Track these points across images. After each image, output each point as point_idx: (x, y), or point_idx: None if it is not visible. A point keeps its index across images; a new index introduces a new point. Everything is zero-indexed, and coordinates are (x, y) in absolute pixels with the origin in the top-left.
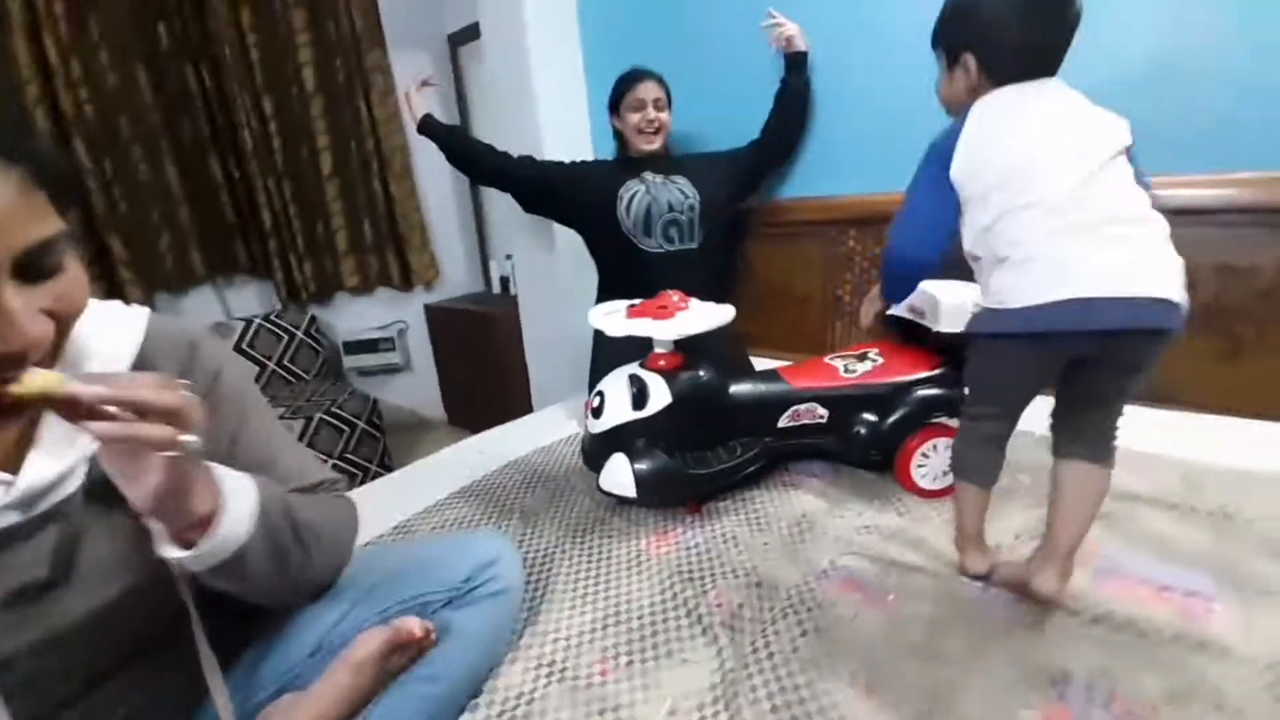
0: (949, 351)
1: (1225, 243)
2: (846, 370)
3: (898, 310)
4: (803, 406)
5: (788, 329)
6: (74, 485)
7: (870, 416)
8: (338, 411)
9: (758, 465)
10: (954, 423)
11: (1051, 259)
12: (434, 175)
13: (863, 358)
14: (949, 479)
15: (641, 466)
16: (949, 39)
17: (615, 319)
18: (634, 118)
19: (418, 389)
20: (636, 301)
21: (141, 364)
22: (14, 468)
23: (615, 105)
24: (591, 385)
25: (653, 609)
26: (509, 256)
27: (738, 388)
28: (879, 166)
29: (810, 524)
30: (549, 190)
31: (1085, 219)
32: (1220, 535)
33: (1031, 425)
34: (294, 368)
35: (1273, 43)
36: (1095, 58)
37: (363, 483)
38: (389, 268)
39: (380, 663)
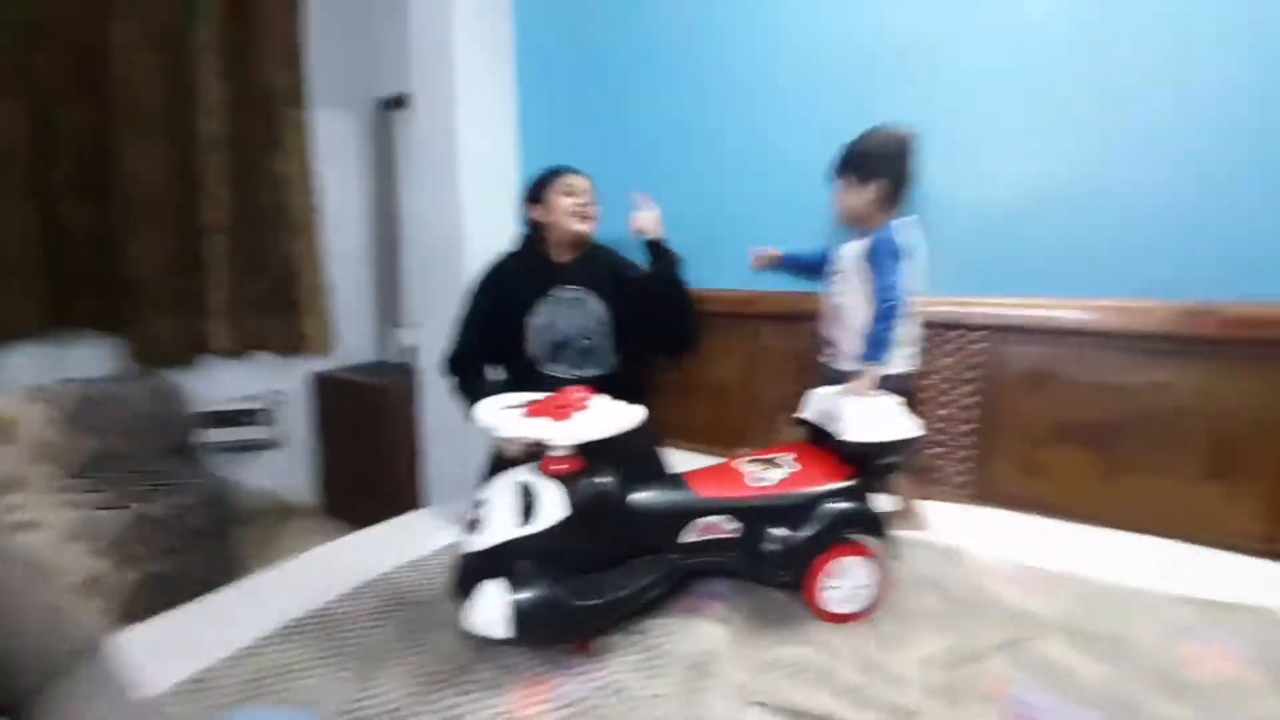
0: (859, 462)
1: (1102, 363)
2: (756, 478)
3: (806, 415)
4: (711, 519)
5: (705, 419)
6: None
7: (779, 531)
8: (176, 499)
9: (660, 590)
10: (867, 540)
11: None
12: (346, 235)
13: (772, 464)
14: (859, 602)
15: (524, 596)
16: (873, 165)
17: (508, 417)
18: (566, 201)
19: (289, 469)
20: (537, 396)
21: None
22: None
23: (537, 194)
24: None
25: None
26: (419, 324)
27: (640, 497)
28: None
29: (710, 663)
30: (493, 333)
31: None
32: (1120, 668)
33: (945, 536)
34: (131, 444)
35: (1133, 175)
36: (976, 187)
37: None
38: (271, 330)
39: None
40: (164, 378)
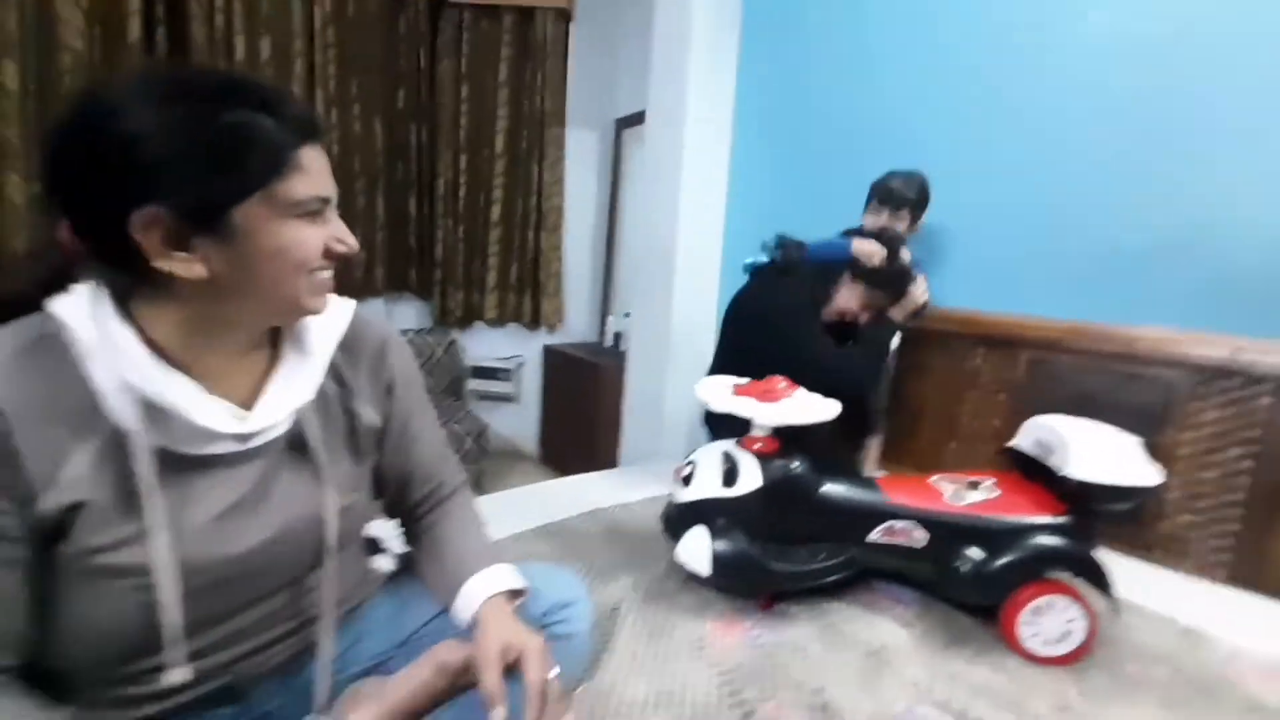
0: (1076, 500)
1: None
2: (955, 495)
3: (1020, 444)
4: (898, 524)
5: (902, 437)
6: (280, 432)
7: (975, 553)
8: (454, 428)
9: (841, 575)
10: (1076, 583)
11: None
12: (580, 233)
13: (975, 485)
14: (1064, 646)
15: (721, 546)
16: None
17: (721, 393)
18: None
19: (521, 422)
20: (743, 380)
21: (346, 345)
22: (248, 406)
23: None
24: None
25: (706, 702)
26: (627, 314)
27: (830, 488)
28: (1018, 287)
29: (889, 657)
30: None
31: None
32: None
33: (1174, 611)
34: (428, 380)
35: None
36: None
37: None
38: (523, 306)
39: (459, 673)
40: (452, 336)
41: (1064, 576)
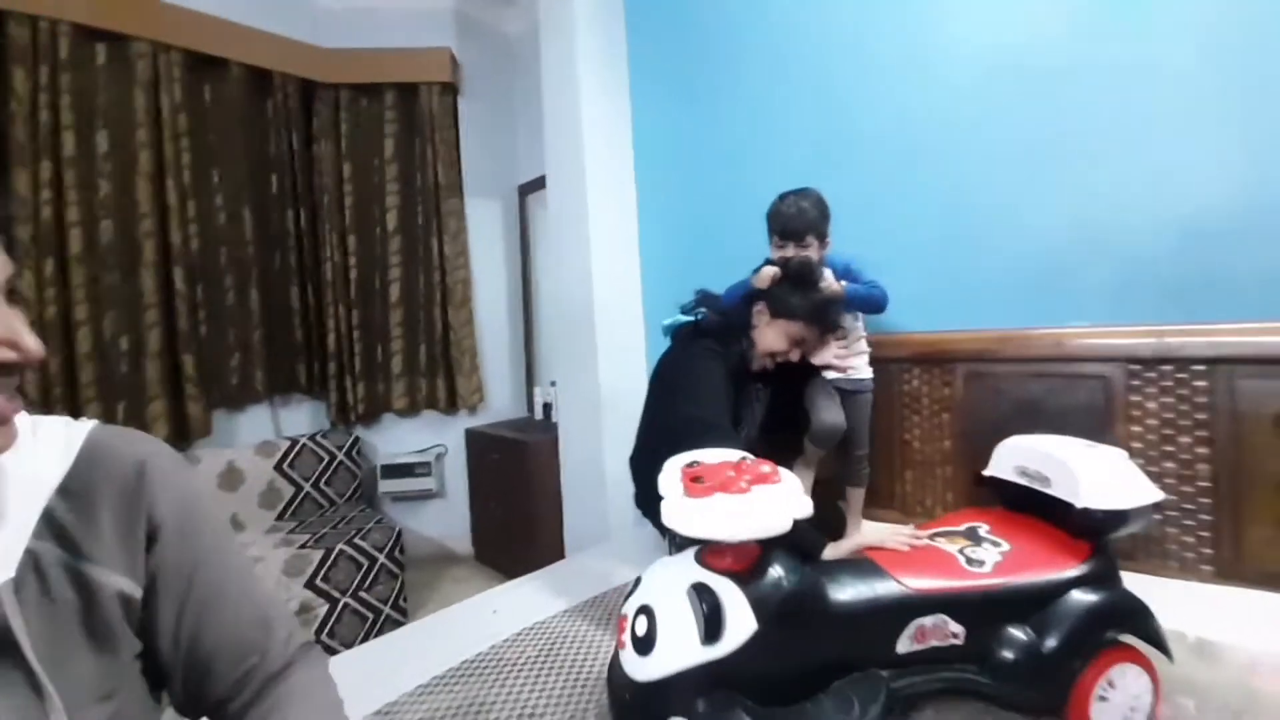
0: (1095, 534)
1: None
2: (970, 561)
3: (999, 473)
4: (931, 620)
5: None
6: None
7: (1017, 634)
8: (360, 543)
9: None
10: (1138, 644)
11: None
12: (494, 304)
13: (975, 538)
14: None
15: None
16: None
17: (673, 493)
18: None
19: (449, 519)
20: (696, 458)
21: (71, 486)
22: None
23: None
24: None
25: None
26: (553, 383)
27: (841, 593)
28: (942, 304)
29: None
30: None
31: None
32: None
33: (1178, 624)
34: (329, 490)
35: None
36: (1170, 197)
37: (373, 630)
38: (436, 390)
39: None
40: (355, 433)
41: (1124, 637)
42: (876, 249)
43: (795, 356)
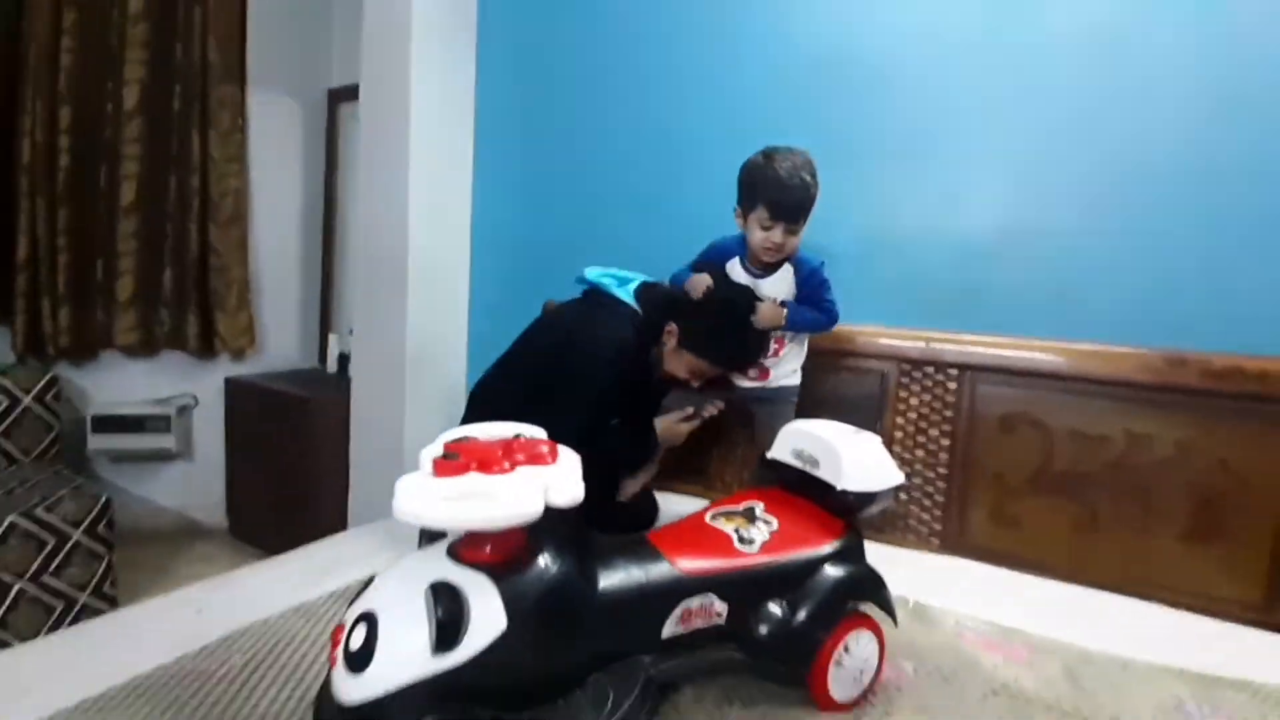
0: (850, 513)
1: (1079, 410)
2: (742, 540)
3: (779, 455)
4: (698, 600)
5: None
6: None
7: (775, 609)
8: (42, 515)
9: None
10: (872, 610)
11: None
12: (283, 228)
13: (751, 517)
14: (860, 686)
15: None
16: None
17: (417, 484)
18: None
19: (195, 485)
20: (459, 434)
21: None
22: None
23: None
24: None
25: None
26: (352, 331)
27: (610, 578)
28: None
29: None
30: None
31: None
32: None
33: (914, 590)
34: (7, 444)
35: (1106, 222)
36: (948, 216)
37: (63, 621)
38: (185, 327)
39: None
40: (53, 372)
41: (861, 606)
42: (691, 240)
43: (696, 385)
